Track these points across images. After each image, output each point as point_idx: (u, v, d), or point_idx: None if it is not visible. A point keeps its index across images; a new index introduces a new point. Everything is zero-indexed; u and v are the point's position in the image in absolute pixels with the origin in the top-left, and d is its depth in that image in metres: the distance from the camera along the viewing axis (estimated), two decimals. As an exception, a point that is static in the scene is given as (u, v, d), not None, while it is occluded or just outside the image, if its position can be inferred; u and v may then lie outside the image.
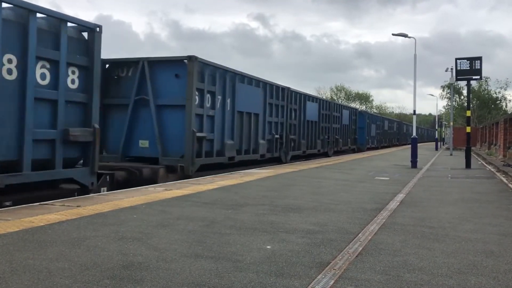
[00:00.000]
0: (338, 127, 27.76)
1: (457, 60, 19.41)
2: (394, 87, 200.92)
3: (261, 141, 16.69)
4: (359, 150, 33.90)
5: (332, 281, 3.95)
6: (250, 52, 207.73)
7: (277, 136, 18.18)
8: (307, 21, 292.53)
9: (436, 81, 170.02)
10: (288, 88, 19.83)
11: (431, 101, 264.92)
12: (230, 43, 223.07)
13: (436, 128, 60.57)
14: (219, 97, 13.86)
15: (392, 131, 51.80)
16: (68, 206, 7.17)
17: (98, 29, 8.88)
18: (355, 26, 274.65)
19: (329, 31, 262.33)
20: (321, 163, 19.27)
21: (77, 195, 8.64)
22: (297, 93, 21.11)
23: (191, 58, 12.23)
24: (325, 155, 25.46)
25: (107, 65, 13.10)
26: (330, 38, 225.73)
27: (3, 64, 7.24)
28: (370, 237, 5.66)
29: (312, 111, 22.82)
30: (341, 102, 75.45)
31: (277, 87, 18.56)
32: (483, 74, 20.68)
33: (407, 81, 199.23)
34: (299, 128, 20.98)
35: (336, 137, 27.21)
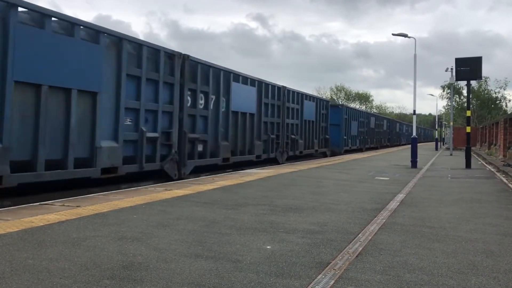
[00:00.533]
0: (297, 123, 21.14)
1: (457, 60, 19.41)
2: (393, 87, 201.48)
3: (104, 145, 9.50)
4: (334, 154, 27.22)
5: (332, 281, 3.94)
6: (249, 52, 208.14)
7: (153, 135, 11.05)
8: (306, 21, 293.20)
9: (435, 81, 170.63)
10: (184, 56, 12.31)
11: (430, 101, 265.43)
12: (229, 43, 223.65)
13: (436, 128, 60.51)
14: None
15: (381, 130, 46.41)
16: (68, 206, 7.17)
17: None
18: (354, 27, 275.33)
19: (328, 31, 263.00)
20: (320, 163, 19.25)
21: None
22: (208, 67, 13.52)
23: None
24: (274, 161, 18.77)
25: None
26: (329, 38, 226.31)
27: None
28: (370, 237, 5.66)
29: (245, 98, 15.75)
30: (341, 102, 75.25)
31: (155, 50, 11.22)
32: (483, 74, 20.66)
33: (406, 81, 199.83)
34: (215, 124, 13.99)
35: (293, 136, 20.52)
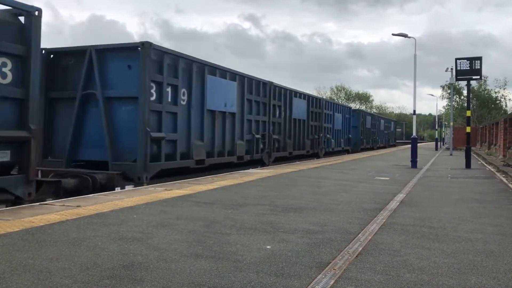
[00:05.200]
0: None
1: (457, 60, 19.40)
2: (390, 87, 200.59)
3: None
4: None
5: (332, 281, 3.95)
6: (243, 52, 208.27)
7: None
8: (298, 22, 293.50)
9: (430, 81, 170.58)
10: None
11: (428, 101, 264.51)
12: (223, 43, 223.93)
13: (436, 128, 60.44)
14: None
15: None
16: (68, 206, 7.18)
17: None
18: (346, 27, 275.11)
19: (321, 32, 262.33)
20: (320, 163, 19.26)
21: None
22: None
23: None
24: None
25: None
26: (322, 37, 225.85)
27: None
28: (370, 237, 5.66)
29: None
30: (341, 102, 75.25)
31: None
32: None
33: (402, 81, 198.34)
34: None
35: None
